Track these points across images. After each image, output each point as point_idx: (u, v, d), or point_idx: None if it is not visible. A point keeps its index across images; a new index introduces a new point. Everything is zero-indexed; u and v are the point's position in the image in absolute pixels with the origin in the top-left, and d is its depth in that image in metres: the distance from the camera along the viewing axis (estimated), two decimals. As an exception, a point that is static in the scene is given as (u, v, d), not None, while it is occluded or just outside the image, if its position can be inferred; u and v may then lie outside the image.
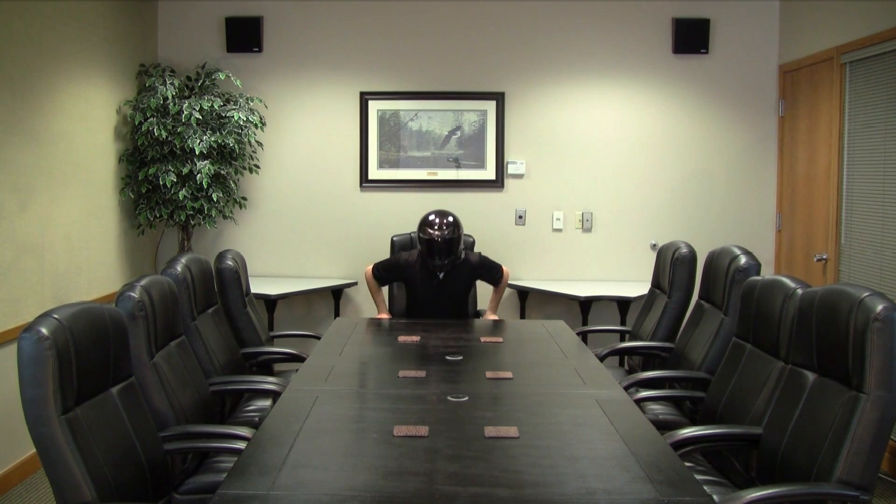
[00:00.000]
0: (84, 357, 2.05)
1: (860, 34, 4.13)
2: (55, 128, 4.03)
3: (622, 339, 4.52)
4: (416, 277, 4.04)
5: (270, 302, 4.89)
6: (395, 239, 4.69)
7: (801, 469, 2.19)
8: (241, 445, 2.32)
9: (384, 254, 5.03)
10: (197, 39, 5.31)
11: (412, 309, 4.15)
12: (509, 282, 5.28)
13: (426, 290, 4.02)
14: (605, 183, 5.34)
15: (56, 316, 1.98)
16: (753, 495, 1.98)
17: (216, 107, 4.80)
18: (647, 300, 4.13)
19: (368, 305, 5.40)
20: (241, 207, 5.22)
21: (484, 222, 5.27)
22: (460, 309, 4.14)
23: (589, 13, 5.28)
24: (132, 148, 4.85)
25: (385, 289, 4.89)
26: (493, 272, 4.15)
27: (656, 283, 4.09)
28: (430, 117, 5.34)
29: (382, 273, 4.15)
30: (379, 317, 4.18)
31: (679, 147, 5.32)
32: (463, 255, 4.08)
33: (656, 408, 3.30)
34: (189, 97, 4.86)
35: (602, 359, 3.42)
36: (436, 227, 3.94)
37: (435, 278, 4.00)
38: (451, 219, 3.98)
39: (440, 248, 3.92)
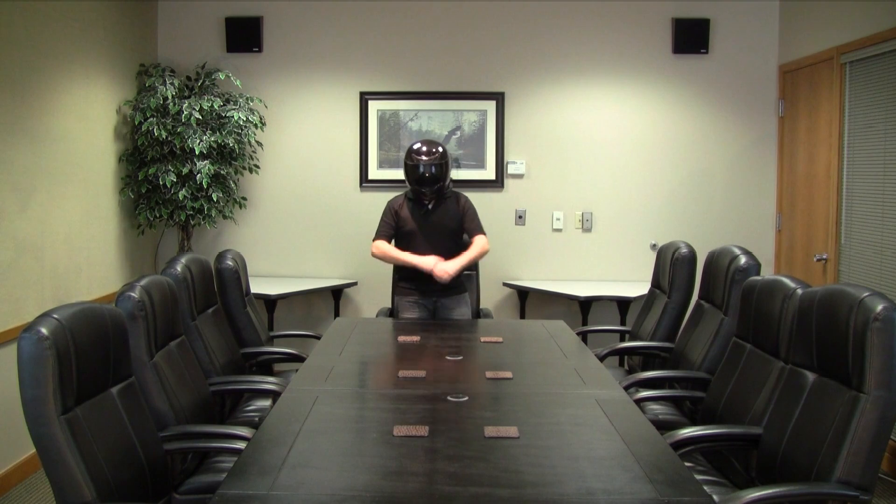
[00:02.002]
0: (84, 357, 2.05)
1: (860, 34, 4.13)
2: (55, 128, 4.03)
3: (622, 339, 4.52)
4: (406, 213, 3.97)
5: (270, 302, 4.89)
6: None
7: (801, 469, 2.19)
8: (241, 445, 2.32)
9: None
10: (197, 39, 5.31)
11: (405, 246, 3.98)
12: (509, 281, 5.30)
13: (417, 222, 3.94)
14: (605, 183, 5.34)
15: (56, 316, 1.98)
16: (753, 495, 1.98)
17: (216, 107, 4.80)
18: (647, 300, 4.13)
19: (368, 305, 5.40)
20: (241, 207, 5.22)
21: (484, 222, 5.23)
22: (453, 245, 3.98)
23: (589, 13, 5.28)
24: (132, 148, 4.85)
25: (389, 287, 4.88)
26: (471, 221, 4.01)
27: (656, 283, 4.09)
28: (430, 117, 5.34)
29: (384, 229, 4.00)
30: (423, 266, 3.86)
31: (679, 147, 5.32)
32: (451, 188, 4.02)
33: (656, 408, 3.30)
34: (189, 97, 4.86)
35: (602, 359, 3.42)
36: (423, 154, 3.90)
37: (423, 209, 3.96)
38: (439, 148, 3.94)
39: (427, 178, 3.87)
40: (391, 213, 4.04)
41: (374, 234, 4.06)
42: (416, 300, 4.01)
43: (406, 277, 4.03)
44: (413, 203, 3.99)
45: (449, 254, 3.93)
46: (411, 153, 3.94)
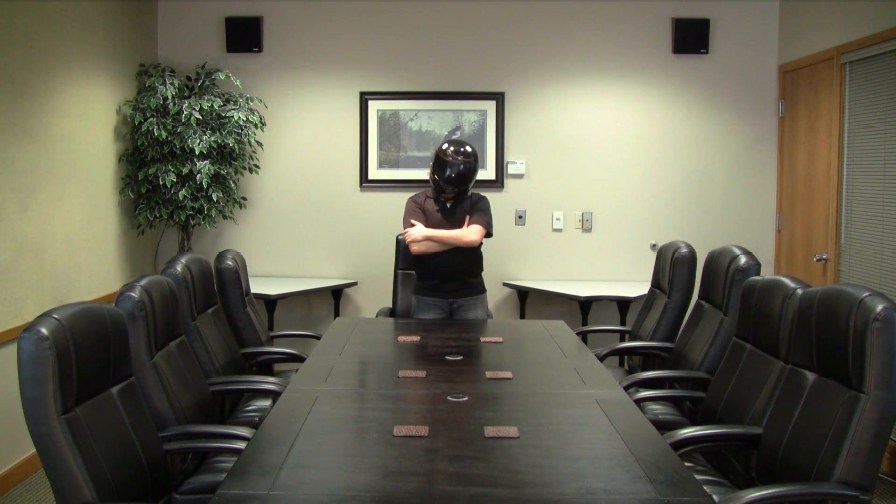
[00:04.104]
0: (84, 357, 2.05)
1: (860, 34, 4.13)
2: (55, 128, 4.03)
3: (622, 339, 4.52)
4: (431, 208, 3.94)
5: (270, 302, 4.89)
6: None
7: (800, 469, 2.19)
8: (241, 445, 2.32)
9: (384, 254, 5.05)
10: (197, 39, 5.31)
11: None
12: (509, 281, 5.30)
13: (436, 222, 3.90)
14: (605, 183, 5.34)
15: (56, 316, 1.98)
16: (753, 495, 1.98)
17: (216, 107, 4.80)
18: (647, 300, 4.13)
19: (368, 305, 5.40)
20: (241, 207, 5.22)
21: (484, 222, 5.27)
22: (468, 246, 3.92)
23: (589, 13, 5.28)
24: (132, 148, 4.85)
25: (389, 287, 4.88)
26: (476, 212, 3.92)
27: (656, 283, 4.09)
28: (430, 117, 5.34)
29: (414, 219, 3.95)
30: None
31: (679, 147, 5.32)
32: (471, 188, 3.98)
33: (656, 408, 3.30)
34: (189, 97, 4.86)
35: (602, 359, 3.42)
36: (459, 154, 3.84)
37: (441, 206, 3.93)
38: (473, 150, 3.88)
39: (454, 178, 3.82)
40: (416, 208, 3.97)
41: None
42: (434, 301, 3.98)
43: (424, 277, 4.01)
44: (433, 202, 3.96)
45: (463, 254, 3.92)
46: (447, 150, 3.86)
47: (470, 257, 3.95)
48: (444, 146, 3.91)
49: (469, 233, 3.87)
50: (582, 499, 1.83)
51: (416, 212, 3.96)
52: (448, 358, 3.13)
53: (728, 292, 3.25)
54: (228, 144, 4.86)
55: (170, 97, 4.71)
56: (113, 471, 2.05)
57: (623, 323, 4.87)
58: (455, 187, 3.87)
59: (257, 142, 5.15)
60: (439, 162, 3.87)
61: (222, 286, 3.74)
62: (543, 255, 5.38)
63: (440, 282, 3.95)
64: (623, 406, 2.53)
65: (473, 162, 3.87)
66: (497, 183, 5.34)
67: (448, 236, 3.85)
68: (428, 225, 3.91)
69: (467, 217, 3.92)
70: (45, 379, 1.90)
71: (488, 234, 3.95)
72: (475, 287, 4.02)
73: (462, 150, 3.88)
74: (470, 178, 3.88)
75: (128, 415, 2.23)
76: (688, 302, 3.81)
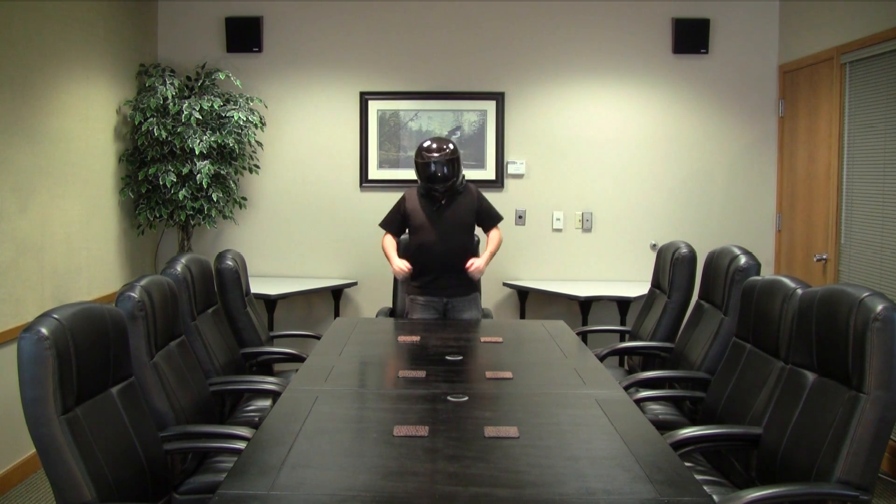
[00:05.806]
0: (84, 357, 2.05)
1: (860, 34, 4.14)
2: (55, 128, 4.03)
3: (622, 339, 4.52)
4: (416, 206, 3.97)
5: (270, 302, 4.89)
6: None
7: (800, 469, 2.19)
8: (241, 445, 2.32)
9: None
10: (197, 39, 5.31)
11: (417, 241, 3.96)
12: (509, 281, 5.31)
13: (429, 218, 3.92)
14: (605, 183, 5.34)
15: (56, 316, 1.98)
16: (753, 495, 1.98)
17: (216, 107, 4.80)
18: (647, 300, 4.13)
19: (368, 305, 5.40)
20: (241, 207, 5.22)
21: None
22: (466, 239, 3.99)
23: (589, 13, 5.28)
24: (132, 148, 4.85)
25: (389, 287, 4.88)
26: (490, 214, 4.05)
27: (656, 284, 4.09)
28: (430, 117, 5.34)
29: (390, 220, 4.06)
30: (397, 268, 3.91)
31: (679, 147, 5.32)
32: (464, 183, 4.01)
33: (656, 408, 3.30)
34: (189, 97, 4.86)
35: (602, 359, 3.42)
36: (433, 152, 3.87)
37: (436, 204, 3.95)
38: (449, 145, 3.91)
39: (438, 176, 3.86)
40: (400, 206, 4.04)
41: (381, 222, 4.17)
42: (427, 301, 3.99)
43: (419, 275, 4.01)
44: (425, 199, 3.97)
45: (462, 248, 3.94)
46: (421, 151, 3.90)
47: (465, 255, 3.95)
48: (420, 148, 3.94)
49: (499, 236, 4.10)
50: (582, 499, 1.84)
51: (395, 212, 4.06)
52: (448, 358, 3.13)
53: (728, 292, 3.25)
54: (228, 144, 4.86)
55: (170, 97, 4.71)
56: (113, 471, 2.05)
57: (623, 323, 4.87)
58: (442, 184, 3.88)
59: (257, 142, 5.15)
60: (419, 167, 3.91)
61: (222, 286, 3.74)
62: (543, 255, 5.38)
63: (434, 279, 3.96)
64: (623, 406, 2.53)
65: (450, 154, 3.89)
66: (497, 183, 5.34)
67: (494, 251, 4.03)
68: (418, 223, 3.95)
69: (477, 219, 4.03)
70: (45, 379, 1.90)
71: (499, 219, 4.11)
72: (468, 287, 4.03)
73: (435, 146, 3.90)
74: (454, 170, 3.90)
75: (128, 415, 2.23)
76: (688, 302, 3.81)
